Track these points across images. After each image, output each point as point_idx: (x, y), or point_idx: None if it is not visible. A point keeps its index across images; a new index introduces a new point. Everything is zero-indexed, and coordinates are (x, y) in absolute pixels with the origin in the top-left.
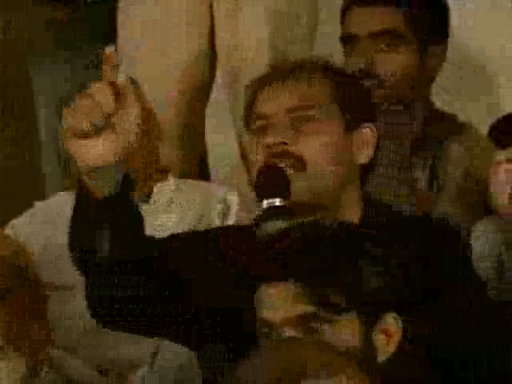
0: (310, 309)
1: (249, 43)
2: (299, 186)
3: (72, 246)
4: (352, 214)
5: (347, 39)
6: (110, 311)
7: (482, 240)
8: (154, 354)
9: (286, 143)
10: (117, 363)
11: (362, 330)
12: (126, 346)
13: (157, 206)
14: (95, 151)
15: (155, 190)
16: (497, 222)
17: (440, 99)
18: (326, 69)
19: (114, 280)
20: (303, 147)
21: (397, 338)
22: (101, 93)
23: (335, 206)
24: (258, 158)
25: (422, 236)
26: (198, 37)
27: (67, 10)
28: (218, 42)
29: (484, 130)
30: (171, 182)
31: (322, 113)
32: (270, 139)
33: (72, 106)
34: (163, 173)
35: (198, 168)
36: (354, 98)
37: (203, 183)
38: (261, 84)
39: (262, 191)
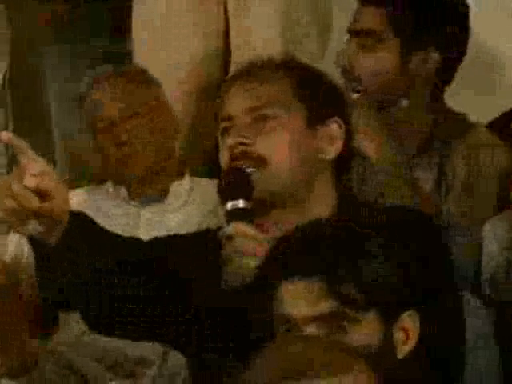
0: (334, 306)
1: (259, 42)
2: (262, 185)
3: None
4: (321, 210)
5: (350, 34)
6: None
7: (491, 239)
8: (164, 354)
9: (245, 144)
10: (126, 363)
11: (382, 329)
12: (135, 345)
13: (172, 206)
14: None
15: (171, 189)
16: (507, 221)
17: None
18: (288, 66)
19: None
20: (263, 146)
21: (414, 335)
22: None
23: (301, 202)
24: (223, 159)
25: (403, 231)
26: (206, 37)
27: (68, 7)
28: (230, 40)
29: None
30: (187, 180)
31: (283, 110)
32: (230, 141)
33: None
34: (179, 171)
35: (206, 167)
36: (317, 93)
37: (215, 182)
38: (227, 86)
39: (225, 193)
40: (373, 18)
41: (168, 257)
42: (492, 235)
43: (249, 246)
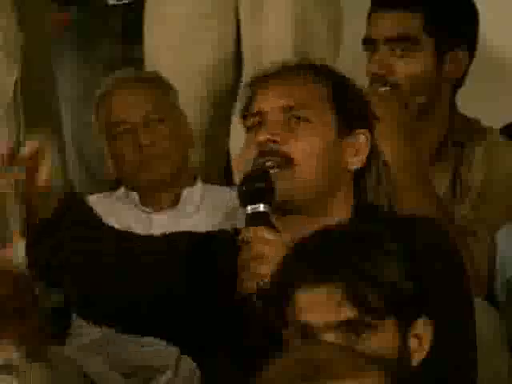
0: (353, 314)
1: (272, 44)
2: (285, 186)
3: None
4: (341, 216)
5: (367, 42)
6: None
7: (505, 245)
8: (178, 359)
9: (276, 141)
10: (140, 368)
11: (400, 336)
12: (149, 351)
13: (184, 213)
14: None
15: (183, 195)
16: None
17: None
18: (325, 73)
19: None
20: (293, 147)
21: (427, 343)
22: None
23: (321, 209)
24: (249, 155)
25: (413, 239)
26: (220, 43)
27: (79, 12)
28: (243, 44)
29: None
30: (199, 186)
31: (317, 115)
32: (262, 136)
33: None
34: (191, 177)
35: (222, 172)
36: (350, 103)
37: (228, 189)
38: (259, 81)
39: (245, 197)
40: (407, 23)
41: (182, 253)
42: (506, 241)
43: (266, 250)
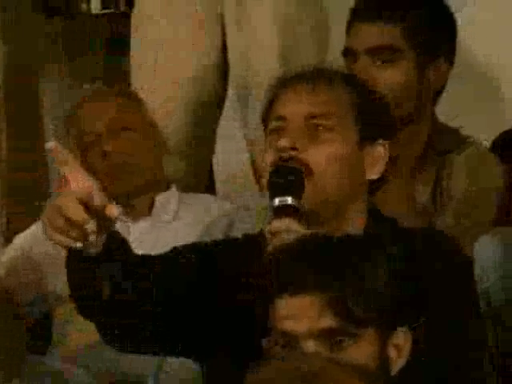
0: (336, 322)
1: (258, 51)
2: (305, 193)
3: (75, 297)
4: (356, 226)
5: (347, 53)
6: (124, 339)
7: (483, 255)
8: (159, 368)
9: (296, 149)
10: (121, 376)
11: (379, 345)
12: (130, 359)
13: (160, 220)
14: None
15: (157, 201)
16: (501, 233)
17: (441, 111)
18: (349, 80)
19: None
20: (312, 156)
21: (406, 352)
22: (72, 209)
23: (339, 218)
24: (269, 159)
25: (423, 249)
26: (206, 52)
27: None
28: (229, 52)
29: (485, 140)
30: (173, 192)
31: (340, 124)
32: (283, 143)
33: (47, 222)
34: (165, 185)
35: (206, 182)
36: (373, 113)
37: (207, 196)
38: (283, 84)
39: (274, 188)
40: (388, 33)
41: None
42: (484, 251)
43: None
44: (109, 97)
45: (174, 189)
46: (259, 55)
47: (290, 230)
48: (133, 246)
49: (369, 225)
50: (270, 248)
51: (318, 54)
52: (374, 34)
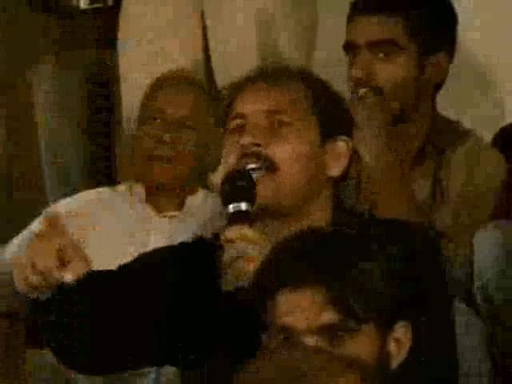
0: (336, 317)
1: (239, 50)
2: (267, 190)
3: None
4: (319, 221)
5: (348, 47)
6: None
7: (481, 249)
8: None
9: (259, 145)
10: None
11: (379, 340)
12: None
13: (186, 220)
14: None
15: (187, 203)
16: (499, 229)
17: (442, 107)
18: (307, 78)
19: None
20: (276, 151)
21: (406, 347)
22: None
23: (300, 214)
24: (231, 158)
25: (400, 242)
26: (190, 50)
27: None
28: (210, 49)
29: (486, 135)
30: (200, 194)
31: (300, 120)
32: (245, 139)
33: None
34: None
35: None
36: (332, 110)
37: (211, 195)
38: (241, 84)
39: (227, 195)
40: (388, 26)
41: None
42: (482, 244)
43: (250, 249)
44: (189, 87)
45: (200, 191)
46: (239, 52)
47: (245, 237)
48: (152, 236)
49: (334, 220)
50: (225, 256)
51: (302, 54)
52: (374, 27)
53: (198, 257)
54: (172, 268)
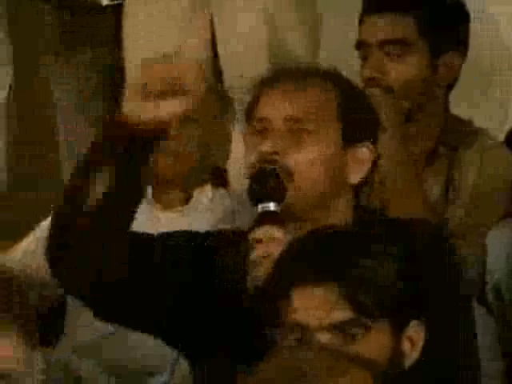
0: (350, 315)
1: (247, 48)
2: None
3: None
4: (339, 223)
5: (360, 46)
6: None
7: (494, 248)
8: (175, 361)
9: (278, 153)
10: (134, 368)
11: (393, 338)
12: (146, 352)
13: (194, 213)
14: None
15: (194, 196)
16: (509, 228)
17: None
18: (334, 79)
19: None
20: (294, 160)
21: (419, 346)
22: None
23: (320, 217)
24: (251, 159)
25: (412, 240)
26: (199, 46)
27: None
28: (218, 49)
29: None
30: (208, 188)
31: (322, 127)
32: (265, 147)
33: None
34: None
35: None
36: (358, 114)
37: (235, 192)
38: (264, 86)
39: (256, 195)
40: (401, 25)
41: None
42: (495, 243)
43: (275, 250)
44: None
45: (209, 185)
46: (247, 50)
47: (272, 237)
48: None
49: (354, 223)
50: (253, 255)
51: (308, 52)
52: (386, 26)
53: (223, 248)
54: (196, 253)
